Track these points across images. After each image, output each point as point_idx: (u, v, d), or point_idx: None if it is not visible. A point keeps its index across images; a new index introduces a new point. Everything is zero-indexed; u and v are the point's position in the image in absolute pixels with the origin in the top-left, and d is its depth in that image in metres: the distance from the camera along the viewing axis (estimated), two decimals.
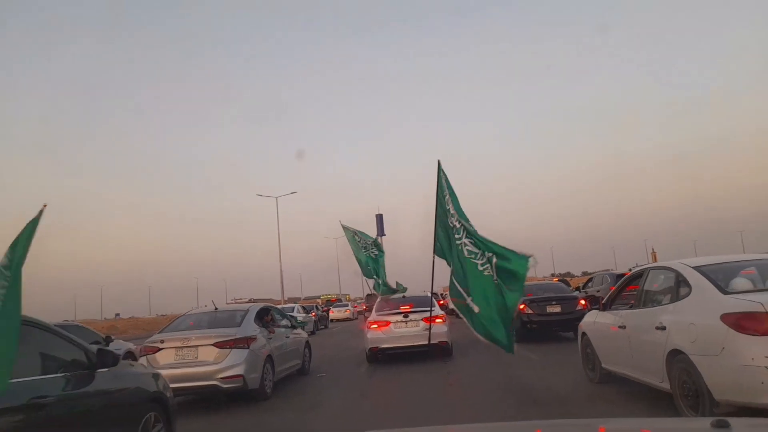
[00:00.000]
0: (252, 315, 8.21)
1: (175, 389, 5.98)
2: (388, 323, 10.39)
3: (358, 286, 67.14)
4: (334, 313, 36.50)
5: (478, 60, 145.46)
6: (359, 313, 36.61)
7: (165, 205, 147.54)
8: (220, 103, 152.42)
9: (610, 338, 6.25)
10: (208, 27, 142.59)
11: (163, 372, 5.94)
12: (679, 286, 5.01)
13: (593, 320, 6.88)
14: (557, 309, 12.15)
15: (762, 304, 4.01)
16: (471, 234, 7.68)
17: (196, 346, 7.24)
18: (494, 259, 7.20)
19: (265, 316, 8.90)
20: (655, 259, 40.09)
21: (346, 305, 42.60)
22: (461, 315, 7.84)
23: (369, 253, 14.55)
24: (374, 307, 11.50)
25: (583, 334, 7.13)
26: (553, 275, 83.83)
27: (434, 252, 8.87)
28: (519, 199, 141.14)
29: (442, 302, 14.41)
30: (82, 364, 3.81)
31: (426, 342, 10.12)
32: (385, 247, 15.23)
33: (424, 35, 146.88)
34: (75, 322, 14.76)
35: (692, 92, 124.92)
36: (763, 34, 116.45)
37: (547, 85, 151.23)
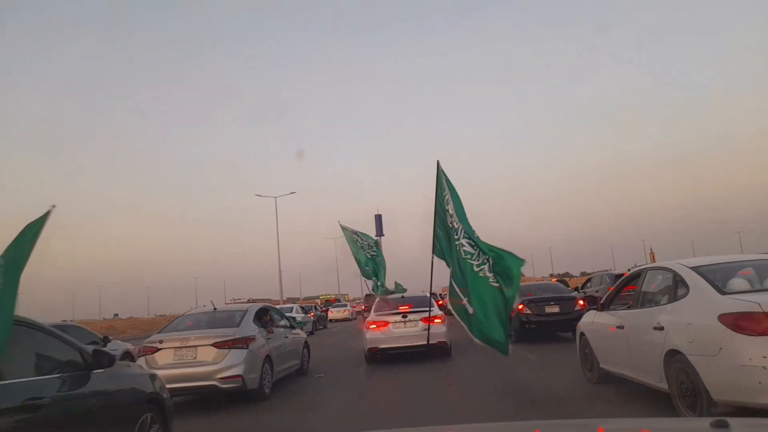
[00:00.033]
0: (251, 315, 8.19)
1: (173, 389, 5.99)
2: (386, 323, 10.37)
3: (357, 286, 67.29)
4: (333, 313, 36.48)
5: (478, 60, 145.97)
6: (358, 313, 36.51)
7: (165, 205, 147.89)
8: (220, 103, 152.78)
9: (608, 338, 6.24)
10: (208, 27, 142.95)
11: (162, 372, 5.95)
12: (676, 287, 5.01)
13: (591, 320, 6.87)
14: (556, 309, 12.14)
15: (759, 305, 4.01)
16: (469, 235, 7.67)
17: (195, 347, 7.23)
18: (490, 261, 7.21)
19: (264, 316, 8.88)
20: (653, 260, 40.08)
21: (345, 305, 42.46)
22: (457, 316, 7.82)
23: (367, 253, 14.52)
24: (373, 307, 11.47)
25: (582, 334, 7.12)
26: (551, 275, 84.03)
27: (433, 252, 8.86)
28: (519, 199, 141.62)
29: (440, 302, 14.39)
30: (77, 365, 3.75)
31: (425, 342, 10.11)
32: (384, 248, 15.24)
33: (424, 35, 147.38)
34: (73, 322, 14.75)
35: (692, 92, 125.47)
36: (763, 34, 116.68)
37: (547, 85, 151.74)
